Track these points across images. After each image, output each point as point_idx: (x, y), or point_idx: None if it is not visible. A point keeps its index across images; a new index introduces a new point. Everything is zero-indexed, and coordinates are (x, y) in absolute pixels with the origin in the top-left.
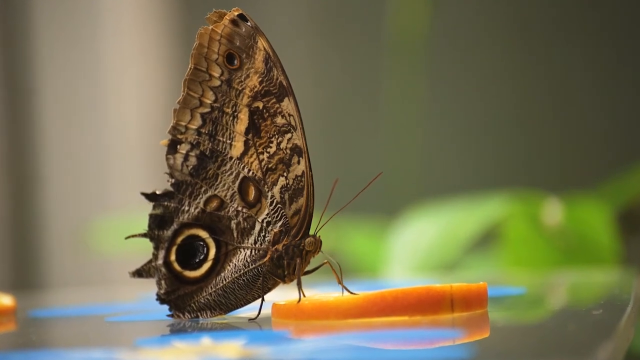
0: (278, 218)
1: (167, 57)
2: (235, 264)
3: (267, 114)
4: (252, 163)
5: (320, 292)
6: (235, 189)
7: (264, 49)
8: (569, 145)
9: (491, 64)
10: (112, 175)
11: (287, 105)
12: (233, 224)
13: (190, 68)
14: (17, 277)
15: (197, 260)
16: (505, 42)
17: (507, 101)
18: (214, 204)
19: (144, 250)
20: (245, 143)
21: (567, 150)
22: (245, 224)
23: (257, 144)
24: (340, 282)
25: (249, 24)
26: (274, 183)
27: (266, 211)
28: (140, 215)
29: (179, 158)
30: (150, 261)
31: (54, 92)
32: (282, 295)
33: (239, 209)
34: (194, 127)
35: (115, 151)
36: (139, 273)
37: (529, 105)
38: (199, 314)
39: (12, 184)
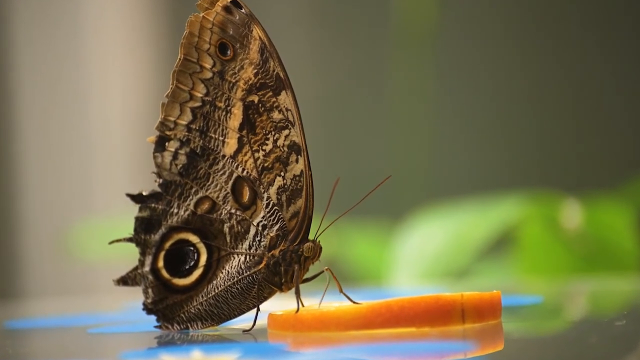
0: (275, 221)
1: (154, 47)
2: (228, 271)
3: (262, 109)
4: (246, 162)
5: (320, 302)
6: (229, 189)
7: (260, 38)
8: (589, 142)
9: (504, 56)
10: (95, 175)
11: (284, 99)
12: (226, 228)
13: (180, 59)
14: None
15: (187, 266)
16: (519, 33)
17: (521, 96)
18: (206, 205)
19: (129, 256)
20: (239, 140)
21: (587, 147)
22: (239, 227)
23: (252, 141)
24: (341, 291)
25: (243, 11)
26: (271, 183)
27: (262, 214)
28: (126, 218)
29: (168, 156)
30: (136, 268)
31: (32, 84)
32: (279, 304)
33: (233, 211)
34: (184, 122)
35: (98, 149)
36: (124, 281)
37: (544, 99)
38: (189, 324)
39: None
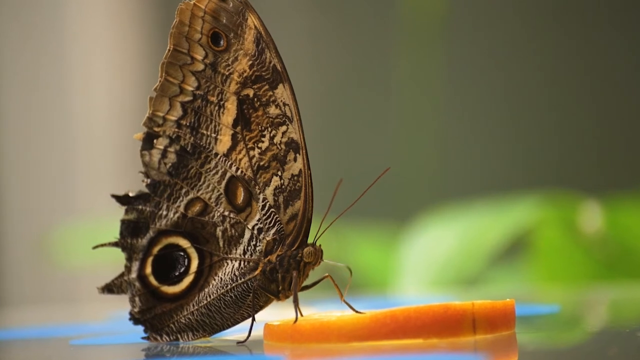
0: (271, 224)
1: (142, 37)
2: (221, 278)
3: (258, 103)
4: (241, 160)
5: (320, 311)
6: (222, 190)
7: (255, 27)
8: (610, 139)
9: (520, 48)
10: (78, 174)
11: (281, 93)
12: (219, 231)
13: (169, 50)
14: None
15: (177, 273)
16: (536, 23)
17: (537, 90)
18: (197, 207)
19: (115, 261)
20: (233, 137)
21: (607, 145)
22: (233, 231)
23: (247, 138)
24: (343, 299)
25: None
26: (267, 184)
27: (257, 216)
28: (111, 221)
29: (156, 154)
30: (122, 274)
31: (9, 77)
32: (275, 314)
33: (226, 213)
34: (173, 118)
35: (81, 147)
36: (110, 288)
37: (562, 94)
38: (179, 335)
39: None
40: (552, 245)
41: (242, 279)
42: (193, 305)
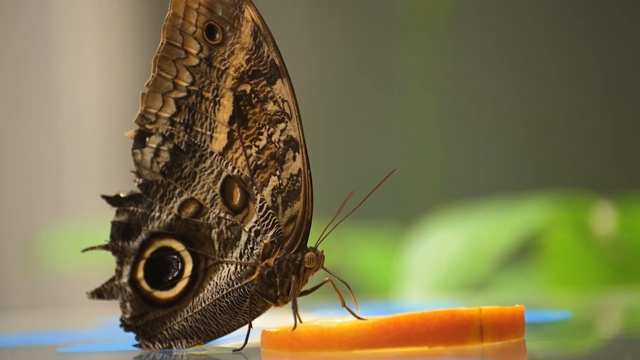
0: (269, 226)
1: (134, 29)
2: (216, 283)
3: (255, 100)
4: (237, 159)
5: (321, 317)
6: (217, 190)
7: (252, 19)
8: (623, 137)
9: (529, 43)
10: (67, 174)
11: (280, 88)
12: (214, 234)
13: (162, 43)
14: None
15: (170, 277)
16: (547, 15)
17: (547, 85)
18: (191, 209)
19: (105, 265)
20: (229, 135)
21: (621, 143)
22: (229, 233)
23: (244, 135)
24: (344, 305)
25: None
26: (264, 184)
27: (254, 218)
28: (101, 223)
29: (148, 153)
30: (112, 279)
31: None
32: (273, 320)
33: (222, 215)
34: (167, 115)
35: (70, 145)
36: (99, 294)
37: (573, 90)
38: (172, 343)
39: None
40: (563, 248)
41: (239, 284)
42: (187, 311)
